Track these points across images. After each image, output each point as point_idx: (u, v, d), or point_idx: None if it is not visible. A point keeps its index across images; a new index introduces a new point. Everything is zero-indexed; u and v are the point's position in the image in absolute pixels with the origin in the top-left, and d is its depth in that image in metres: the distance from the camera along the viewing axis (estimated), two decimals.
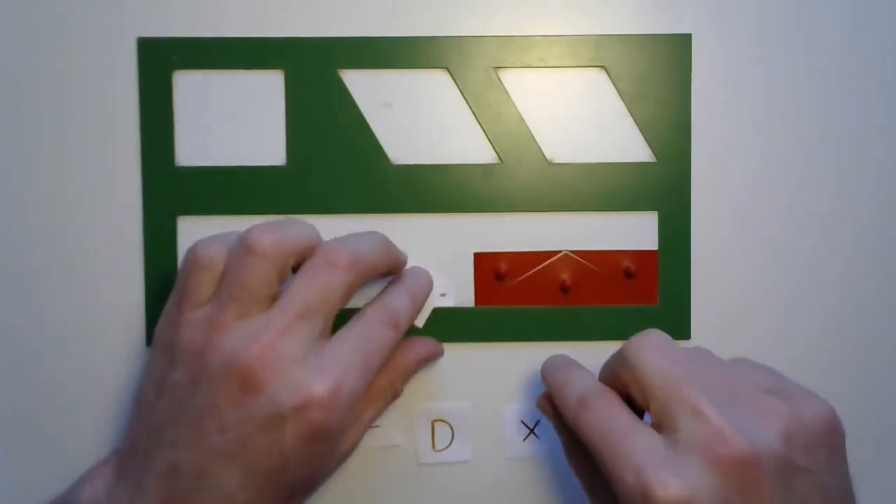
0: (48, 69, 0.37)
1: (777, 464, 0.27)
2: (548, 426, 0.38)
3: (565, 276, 0.38)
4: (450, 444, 0.38)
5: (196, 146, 0.38)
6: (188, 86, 0.38)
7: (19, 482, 0.38)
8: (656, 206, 0.38)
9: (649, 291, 0.38)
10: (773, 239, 0.38)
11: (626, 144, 0.38)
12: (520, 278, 0.38)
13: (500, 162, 0.38)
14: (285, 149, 0.38)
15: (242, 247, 0.32)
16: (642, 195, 0.38)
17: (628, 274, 0.38)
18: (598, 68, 0.38)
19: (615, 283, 0.38)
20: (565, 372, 0.33)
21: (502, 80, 0.38)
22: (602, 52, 0.38)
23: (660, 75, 0.38)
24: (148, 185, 0.38)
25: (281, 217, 0.36)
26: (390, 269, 0.35)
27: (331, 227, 0.38)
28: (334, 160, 0.38)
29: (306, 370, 0.31)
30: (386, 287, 0.36)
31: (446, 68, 0.38)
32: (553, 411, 0.34)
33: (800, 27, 0.38)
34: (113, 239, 0.38)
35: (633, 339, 0.31)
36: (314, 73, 0.38)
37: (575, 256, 0.38)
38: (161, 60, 0.37)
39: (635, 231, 0.38)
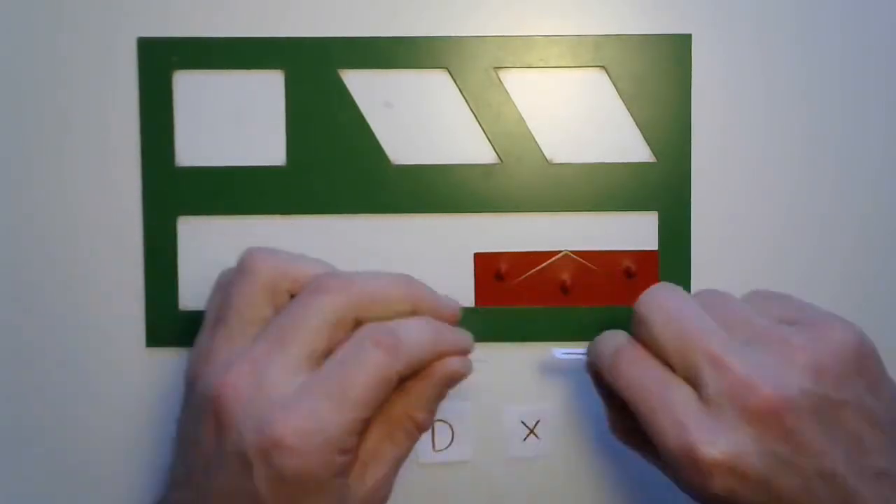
0: (48, 69, 0.37)
1: (812, 403, 0.26)
2: (548, 426, 0.38)
3: (565, 276, 0.38)
4: (450, 444, 0.38)
5: (196, 146, 0.38)
6: (188, 86, 0.38)
7: (19, 483, 0.38)
8: (656, 206, 0.38)
9: None
10: (773, 239, 0.38)
11: (626, 144, 0.38)
12: (520, 278, 0.38)
13: (500, 162, 0.38)
14: (285, 149, 0.38)
15: (238, 269, 0.29)
16: (642, 195, 0.38)
17: (628, 274, 0.38)
18: (598, 68, 0.38)
19: (615, 283, 0.38)
20: (602, 334, 0.32)
21: (502, 80, 0.38)
22: (602, 52, 0.38)
23: (660, 75, 0.38)
24: (148, 186, 0.38)
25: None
26: (409, 305, 0.30)
27: (331, 227, 0.38)
28: (334, 160, 0.38)
29: (273, 406, 0.26)
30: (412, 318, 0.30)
31: (446, 68, 0.38)
32: (594, 373, 0.32)
33: (800, 27, 0.38)
34: (113, 239, 0.38)
35: (642, 296, 0.30)
36: (314, 73, 0.38)
37: (575, 256, 0.38)
38: (161, 60, 0.37)
39: (635, 231, 0.38)
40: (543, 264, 0.38)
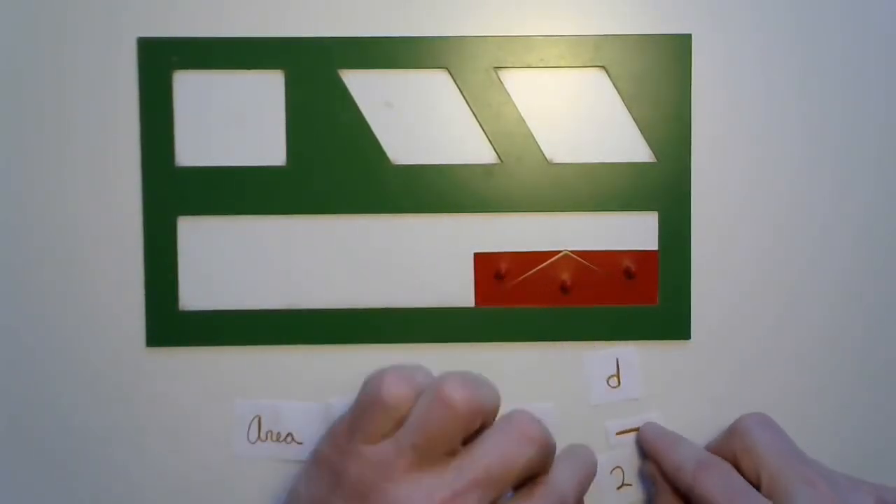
0: (48, 69, 0.37)
1: None
2: (548, 426, 0.38)
3: (565, 276, 0.38)
4: None
5: (196, 146, 0.38)
6: (188, 86, 0.38)
7: (19, 483, 0.38)
8: (656, 206, 0.38)
9: (649, 291, 0.38)
10: (773, 239, 0.38)
11: (626, 144, 0.38)
12: (520, 278, 0.38)
13: (500, 162, 0.38)
14: (285, 149, 0.38)
15: (436, 398, 0.30)
16: (642, 195, 0.38)
17: (628, 274, 0.38)
18: (598, 68, 0.38)
19: (615, 283, 0.38)
20: (671, 438, 0.37)
21: (502, 80, 0.38)
22: (602, 52, 0.38)
23: (660, 75, 0.38)
24: (148, 185, 0.38)
25: (465, 369, 0.33)
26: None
27: (331, 227, 0.38)
28: (334, 160, 0.38)
29: None
30: (556, 463, 0.34)
31: (446, 68, 0.38)
32: (661, 476, 0.36)
33: (800, 27, 0.38)
34: (113, 239, 0.38)
35: (744, 416, 0.36)
36: (314, 73, 0.38)
37: (575, 256, 0.38)
38: (161, 60, 0.37)
39: (635, 231, 0.38)
40: (543, 264, 0.38)
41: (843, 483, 0.33)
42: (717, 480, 0.33)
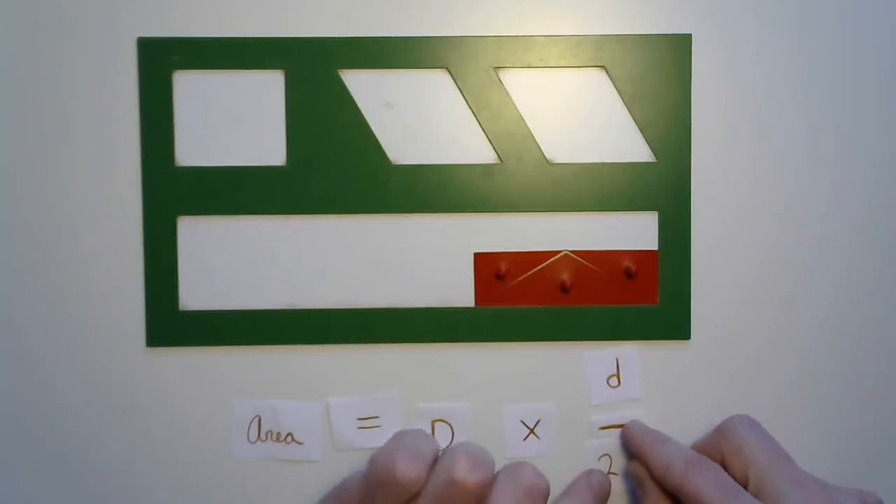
0: (48, 69, 0.37)
1: None
2: (548, 426, 0.38)
3: (565, 276, 0.38)
4: (450, 444, 0.38)
5: (196, 146, 0.38)
6: (188, 86, 0.38)
7: (19, 483, 0.38)
8: (656, 206, 0.38)
9: (649, 291, 0.38)
10: (773, 239, 0.38)
11: (626, 144, 0.38)
12: (520, 278, 0.38)
13: (500, 162, 0.38)
14: (285, 149, 0.38)
15: (451, 482, 0.32)
16: (642, 195, 0.38)
17: (628, 274, 0.38)
18: (598, 68, 0.38)
19: (615, 283, 0.38)
20: (657, 437, 0.37)
21: (502, 80, 0.38)
22: (602, 52, 0.38)
23: (660, 75, 0.38)
24: (148, 185, 0.38)
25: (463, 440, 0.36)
26: None
27: (331, 227, 0.38)
28: (334, 160, 0.38)
29: None
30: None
31: (446, 68, 0.38)
32: (647, 474, 0.37)
33: (800, 27, 0.38)
34: (113, 239, 0.38)
35: (731, 418, 0.36)
36: (314, 73, 0.38)
37: (575, 256, 0.38)
38: (161, 60, 0.37)
39: (635, 231, 0.38)
40: (543, 264, 0.38)
41: (828, 485, 0.34)
42: (708, 478, 0.34)
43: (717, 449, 0.36)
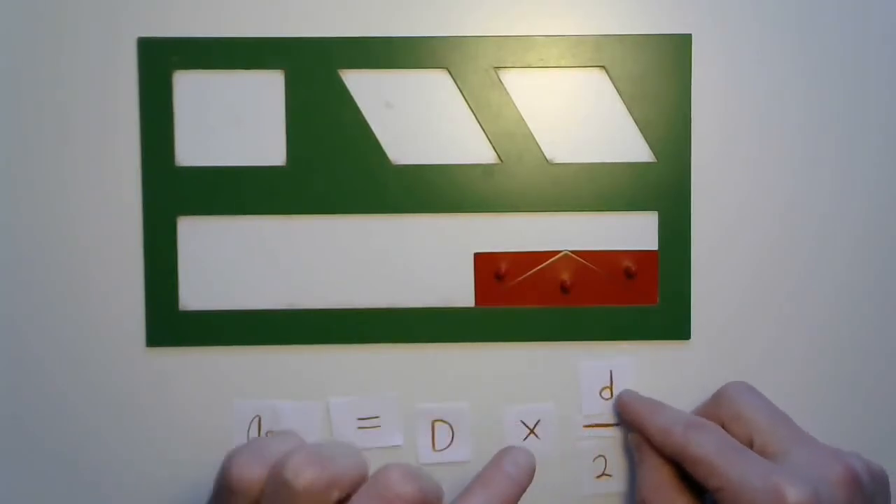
0: (48, 69, 0.37)
1: (866, 487, 0.32)
2: (547, 426, 0.38)
3: (565, 276, 0.38)
4: (450, 444, 0.38)
5: (196, 146, 0.38)
6: (188, 86, 0.38)
7: (19, 483, 0.38)
8: (656, 206, 0.38)
9: (649, 291, 0.38)
10: (773, 239, 0.38)
11: (626, 144, 0.38)
12: (520, 278, 0.38)
13: (500, 162, 0.38)
14: (285, 149, 0.38)
15: (279, 481, 0.26)
16: (642, 195, 0.38)
17: (628, 274, 0.38)
18: (598, 68, 0.38)
19: (615, 283, 0.38)
20: (653, 403, 0.36)
21: (502, 80, 0.38)
22: (602, 52, 0.38)
23: (660, 75, 0.38)
24: (148, 185, 0.38)
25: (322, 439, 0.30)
26: None
27: (331, 227, 0.38)
28: (334, 160, 0.38)
29: None
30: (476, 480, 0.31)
31: (446, 68, 0.38)
32: (643, 441, 0.36)
33: (800, 27, 0.38)
34: (113, 239, 0.38)
35: (728, 384, 0.36)
36: (314, 73, 0.38)
37: (575, 256, 0.38)
38: (161, 60, 0.37)
39: (635, 231, 0.38)
40: (543, 264, 0.38)
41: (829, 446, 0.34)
42: (710, 440, 0.33)
43: (716, 417, 0.35)
